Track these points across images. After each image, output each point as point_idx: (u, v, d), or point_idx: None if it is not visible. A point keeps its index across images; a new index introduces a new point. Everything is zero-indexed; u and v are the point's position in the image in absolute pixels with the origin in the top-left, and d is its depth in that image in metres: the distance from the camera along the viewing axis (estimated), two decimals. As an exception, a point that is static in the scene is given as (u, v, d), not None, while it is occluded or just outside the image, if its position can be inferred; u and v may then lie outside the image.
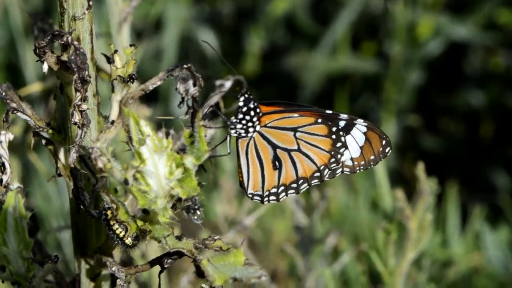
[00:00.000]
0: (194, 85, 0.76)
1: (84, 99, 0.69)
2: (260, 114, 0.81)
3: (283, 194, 0.82)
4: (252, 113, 0.80)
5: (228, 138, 0.81)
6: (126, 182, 0.64)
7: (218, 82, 0.84)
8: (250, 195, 0.82)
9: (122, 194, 0.71)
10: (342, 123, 0.82)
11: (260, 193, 0.82)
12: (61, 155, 0.74)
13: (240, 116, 0.80)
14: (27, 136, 1.19)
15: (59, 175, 0.75)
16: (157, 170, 0.65)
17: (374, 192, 1.49)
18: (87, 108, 0.70)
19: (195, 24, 2.18)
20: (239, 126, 0.80)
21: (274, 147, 0.81)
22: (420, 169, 0.96)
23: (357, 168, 0.83)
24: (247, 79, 2.34)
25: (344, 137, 0.81)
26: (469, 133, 2.15)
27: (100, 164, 0.64)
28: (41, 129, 0.73)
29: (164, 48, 2.06)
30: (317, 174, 0.82)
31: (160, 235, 0.67)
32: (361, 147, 0.82)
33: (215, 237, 0.68)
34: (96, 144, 0.72)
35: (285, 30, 2.25)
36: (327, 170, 0.81)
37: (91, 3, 0.70)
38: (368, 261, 1.13)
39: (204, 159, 0.65)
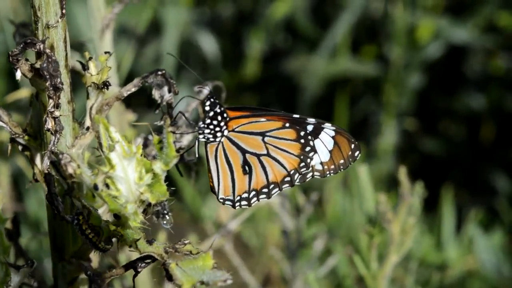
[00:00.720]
0: (169, 91, 0.77)
1: (57, 106, 0.70)
2: (228, 119, 0.81)
3: (254, 199, 0.82)
4: (219, 117, 0.80)
5: (197, 143, 0.81)
6: (96, 187, 0.65)
7: (196, 88, 0.85)
8: (221, 200, 0.82)
9: (99, 200, 0.72)
10: (310, 127, 0.82)
11: (231, 197, 0.82)
12: (37, 161, 0.75)
13: (208, 121, 0.80)
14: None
15: (36, 180, 0.76)
16: (127, 175, 0.66)
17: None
18: (60, 115, 0.71)
19: (195, 27, 2.19)
20: (207, 131, 0.80)
21: (243, 151, 0.81)
22: (402, 173, 0.97)
23: (327, 172, 0.84)
24: (248, 82, 2.35)
25: (313, 141, 0.82)
26: (469, 136, 2.14)
27: (70, 170, 0.65)
28: (17, 135, 0.75)
29: (164, 52, 2.07)
30: (288, 178, 0.82)
31: (131, 240, 0.68)
32: (330, 151, 0.83)
33: (185, 241, 0.69)
34: (71, 150, 0.73)
35: (285, 33, 2.25)
36: (297, 174, 0.82)
37: (64, 11, 0.71)
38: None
39: (172, 165, 0.66)
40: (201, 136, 0.81)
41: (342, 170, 0.84)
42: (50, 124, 0.70)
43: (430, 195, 1.18)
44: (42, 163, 0.74)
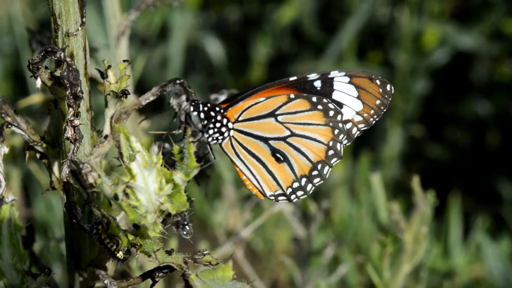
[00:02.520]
0: (187, 100, 0.77)
1: (76, 114, 0.70)
2: (222, 111, 0.75)
3: (309, 185, 0.74)
4: (212, 113, 0.75)
5: (209, 147, 0.77)
6: (116, 197, 0.64)
7: (213, 96, 0.85)
8: (273, 198, 0.75)
9: (116, 208, 0.72)
10: (317, 84, 0.74)
11: (281, 191, 0.75)
12: (55, 169, 0.75)
13: (205, 122, 0.75)
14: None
15: (53, 188, 0.76)
16: (147, 185, 0.65)
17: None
18: (80, 124, 0.71)
19: (202, 32, 2.19)
20: (211, 132, 0.75)
21: (264, 140, 0.75)
22: (415, 182, 0.97)
23: (371, 118, 0.76)
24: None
25: (330, 101, 0.73)
26: (475, 142, 2.14)
27: (90, 180, 0.65)
28: (35, 143, 0.74)
29: (170, 56, 2.07)
30: (331, 152, 0.74)
31: (150, 250, 0.68)
32: (358, 97, 0.75)
33: (205, 252, 0.68)
34: (89, 159, 0.73)
35: (292, 38, 2.25)
36: (337, 143, 0.74)
37: (84, 19, 0.71)
38: (367, 273, 1.13)
39: (193, 175, 0.66)
40: (210, 140, 0.76)
41: (384, 110, 0.76)
42: (69, 132, 0.70)
43: (436, 201, 1.18)
44: (60, 171, 0.74)
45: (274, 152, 0.75)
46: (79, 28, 0.71)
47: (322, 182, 0.75)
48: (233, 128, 0.76)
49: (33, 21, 2.05)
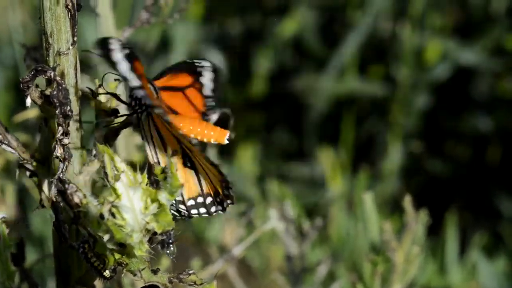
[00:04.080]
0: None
1: (66, 133, 0.71)
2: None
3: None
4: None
5: None
6: (101, 216, 0.65)
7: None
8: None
9: (104, 227, 0.73)
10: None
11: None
12: (45, 187, 0.76)
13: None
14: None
15: (43, 206, 0.76)
16: (132, 205, 0.66)
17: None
18: (69, 142, 0.71)
19: (204, 44, 2.19)
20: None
21: None
22: (407, 201, 0.97)
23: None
24: (255, 100, 2.34)
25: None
26: (475, 157, 2.14)
27: (76, 200, 0.65)
28: (25, 161, 0.75)
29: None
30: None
31: (136, 268, 0.69)
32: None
33: (190, 271, 0.69)
34: (78, 177, 0.74)
35: (293, 52, 2.26)
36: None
37: (75, 39, 0.72)
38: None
39: (178, 194, 0.66)
40: None
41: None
42: (59, 151, 0.70)
43: (435, 217, 1.17)
44: (49, 190, 0.75)
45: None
46: (70, 47, 0.72)
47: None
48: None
49: (34, 33, 2.06)
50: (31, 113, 1.07)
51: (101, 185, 0.85)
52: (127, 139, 0.97)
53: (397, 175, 2.06)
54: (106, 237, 0.72)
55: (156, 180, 0.66)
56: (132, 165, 0.76)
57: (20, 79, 0.70)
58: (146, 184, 0.66)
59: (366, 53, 2.22)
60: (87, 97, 0.79)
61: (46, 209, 0.85)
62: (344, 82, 2.17)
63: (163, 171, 0.66)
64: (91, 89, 0.75)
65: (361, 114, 2.19)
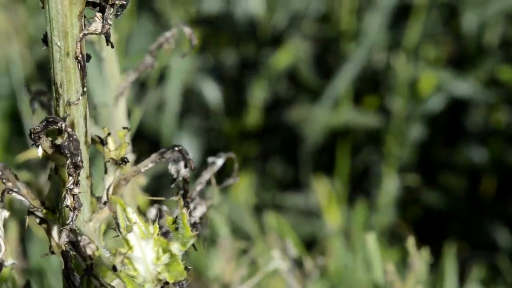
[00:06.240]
0: (185, 166, 0.78)
1: (76, 183, 0.71)
2: None
3: None
4: None
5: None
6: (114, 268, 0.65)
7: (210, 160, 0.85)
8: None
9: (115, 277, 0.73)
10: None
11: None
12: (55, 233, 0.76)
13: None
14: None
15: (52, 252, 0.76)
16: (144, 256, 0.66)
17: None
18: (79, 192, 0.71)
19: (199, 75, 2.21)
20: None
21: None
22: (411, 243, 0.97)
23: None
24: (250, 131, 2.35)
25: None
26: (470, 189, 2.16)
27: (89, 252, 0.66)
28: (35, 208, 0.75)
29: (167, 100, 2.09)
30: None
31: (147, 319, 0.69)
32: None
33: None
34: (88, 224, 0.74)
35: (288, 83, 2.27)
36: None
37: (85, 89, 0.72)
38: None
39: (190, 244, 0.66)
40: None
41: None
42: (69, 201, 0.71)
43: (432, 248, 1.18)
44: (59, 237, 0.75)
45: None
46: (80, 98, 0.72)
47: None
48: None
49: (31, 63, 2.07)
50: (33, 153, 1.07)
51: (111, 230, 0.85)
52: (132, 180, 0.97)
53: (393, 206, 2.06)
54: (113, 282, 0.72)
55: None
56: (142, 213, 0.76)
57: (30, 130, 0.71)
58: (158, 234, 0.67)
59: (361, 84, 2.23)
60: (96, 145, 0.79)
61: (45, 243, 0.84)
62: (339, 113, 2.18)
63: (175, 221, 0.67)
64: (100, 138, 0.75)
65: (356, 144, 2.20)
